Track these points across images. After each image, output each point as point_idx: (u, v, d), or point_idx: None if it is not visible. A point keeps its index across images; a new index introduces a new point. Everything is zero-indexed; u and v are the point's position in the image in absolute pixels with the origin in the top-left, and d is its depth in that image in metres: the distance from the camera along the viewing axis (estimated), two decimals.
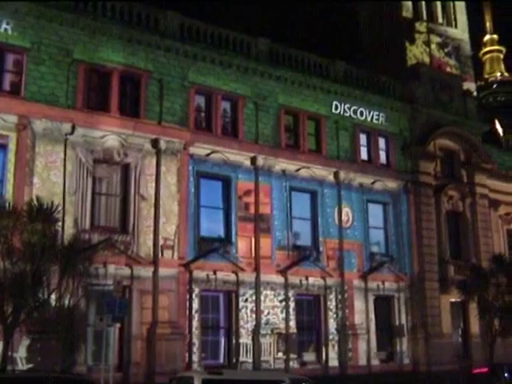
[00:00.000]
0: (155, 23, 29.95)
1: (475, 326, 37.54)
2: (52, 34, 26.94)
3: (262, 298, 30.32)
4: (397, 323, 35.14)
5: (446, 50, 61.11)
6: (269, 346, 29.94)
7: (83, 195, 26.51)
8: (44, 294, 21.39)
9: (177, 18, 30.55)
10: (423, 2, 61.51)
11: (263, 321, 30.09)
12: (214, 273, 29.08)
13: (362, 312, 33.58)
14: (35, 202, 22.25)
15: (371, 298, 34.24)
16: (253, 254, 30.59)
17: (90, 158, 27.04)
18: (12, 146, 25.39)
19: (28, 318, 21.22)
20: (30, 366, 23.40)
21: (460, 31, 63.29)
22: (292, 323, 31.03)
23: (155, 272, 27.38)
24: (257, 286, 30.29)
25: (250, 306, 30.01)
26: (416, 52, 58.56)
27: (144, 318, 26.90)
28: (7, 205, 22.44)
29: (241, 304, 29.77)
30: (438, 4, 62.92)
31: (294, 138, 33.83)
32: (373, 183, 35.78)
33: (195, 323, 28.27)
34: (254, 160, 31.37)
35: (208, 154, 30.16)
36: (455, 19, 63.39)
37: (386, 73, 40.71)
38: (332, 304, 32.74)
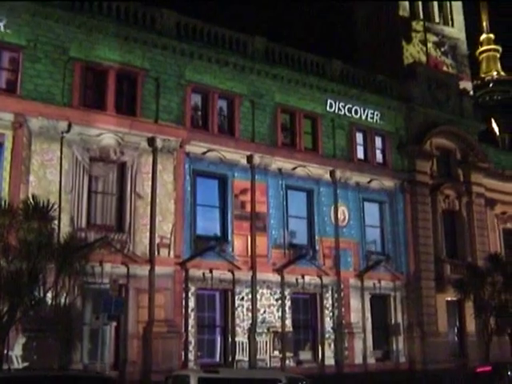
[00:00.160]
0: (152, 21, 29.91)
1: (471, 325, 37.55)
2: (48, 32, 26.88)
3: (258, 296, 30.32)
4: (393, 322, 35.16)
5: (442, 49, 61.15)
6: (265, 344, 29.94)
7: (79, 193, 26.47)
8: (40, 293, 21.31)
9: (173, 16, 30.50)
10: (420, 1, 61.52)
11: (259, 319, 30.09)
12: (210, 271, 29.08)
13: (358, 311, 33.58)
14: (31, 200, 22.18)
15: (367, 297, 34.26)
16: (249, 253, 30.59)
17: (87, 156, 26.99)
18: (8, 144, 25.33)
19: (24, 316, 21.14)
20: (26, 364, 23.37)
21: (457, 30, 63.31)
22: (288, 322, 31.03)
23: (151, 270, 27.36)
24: (253, 285, 30.29)
25: (246, 304, 30.00)
26: (413, 51, 58.58)
27: (140, 317, 26.88)
28: (3, 203, 22.27)
29: (237, 302, 29.77)
30: (435, 3, 62.94)
31: (290, 137, 33.82)
32: (369, 182, 35.79)
33: (191, 322, 28.26)
34: (250, 158, 31.36)
35: (204, 153, 30.14)
36: (452, 18, 63.41)
37: (383, 72, 40.72)
38: (328, 303, 32.75)
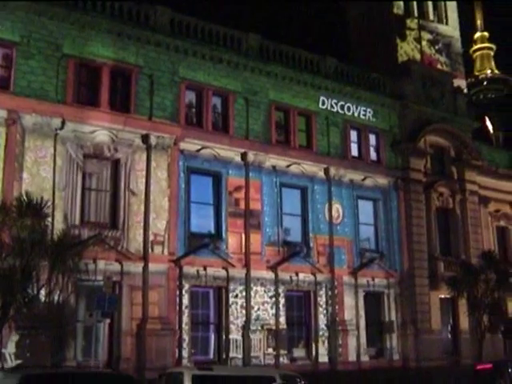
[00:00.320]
0: (145, 18, 29.84)
1: (464, 322, 37.66)
2: (41, 28, 26.78)
3: (252, 293, 30.31)
4: (386, 319, 35.21)
5: (436, 47, 61.17)
6: (259, 341, 29.94)
7: (73, 190, 26.40)
8: (33, 290, 21.29)
9: (167, 13, 30.44)
10: (414, 0, 61.51)
11: (253, 317, 30.08)
12: (204, 268, 29.06)
13: (351, 308, 33.62)
14: (25, 197, 22.14)
15: (361, 294, 34.29)
16: (243, 250, 30.58)
17: (80, 153, 26.93)
18: (1, 141, 25.23)
19: (17, 313, 21.09)
20: (19, 362, 23.29)
21: (451, 28, 63.33)
22: (282, 319, 31.03)
23: (145, 268, 27.33)
24: (247, 282, 30.28)
25: (240, 301, 29.99)
26: (407, 49, 58.60)
27: (134, 314, 26.84)
28: None
29: (231, 300, 29.76)
30: (429, 1, 62.95)
31: (284, 134, 33.82)
32: (363, 180, 35.81)
33: (185, 319, 28.24)
34: (244, 156, 31.34)
35: (198, 150, 30.10)
36: (446, 16, 63.43)
37: (377, 69, 40.75)
38: (322, 300, 32.77)
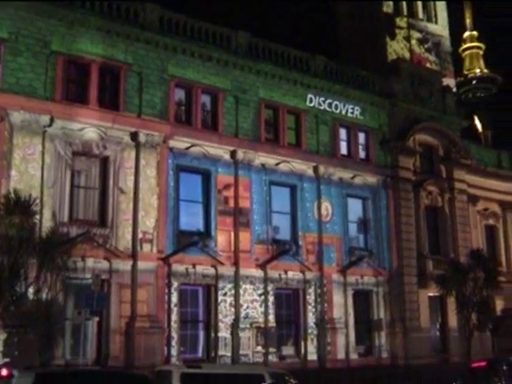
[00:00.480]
0: (135, 15, 29.75)
1: (453, 320, 37.79)
2: (30, 25, 26.63)
3: (241, 291, 30.31)
4: (375, 317, 35.31)
5: (426, 46, 61.19)
6: (248, 339, 29.94)
7: (61, 188, 26.29)
8: (21, 288, 21.25)
9: (156, 10, 30.36)
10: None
11: (242, 315, 30.09)
12: (193, 266, 29.03)
13: (340, 306, 33.67)
14: (13, 194, 22.10)
15: (350, 293, 34.36)
16: (232, 248, 30.57)
17: (69, 150, 26.81)
18: None
19: (5, 311, 21.05)
20: (7, 360, 23.19)
21: (440, 27, 63.40)
22: (271, 317, 31.05)
23: (134, 266, 27.25)
24: (236, 280, 30.28)
25: (229, 299, 29.98)
26: (396, 47, 58.60)
27: (123, 312, 26.79)
28: None
29: (220, 298, 29.74)
30: (419, 0, 63.04)
31: (273, 132, 33.81)
32: (352, 178, 35.85)
33: (174, 317, 28.21)
34: (233, 154, 31.31)
35: (188, 148, 30.05)
36: (436, 15, 63.48)
37: (367, 68, 40.71)
38: (311, 298, 32.81)
